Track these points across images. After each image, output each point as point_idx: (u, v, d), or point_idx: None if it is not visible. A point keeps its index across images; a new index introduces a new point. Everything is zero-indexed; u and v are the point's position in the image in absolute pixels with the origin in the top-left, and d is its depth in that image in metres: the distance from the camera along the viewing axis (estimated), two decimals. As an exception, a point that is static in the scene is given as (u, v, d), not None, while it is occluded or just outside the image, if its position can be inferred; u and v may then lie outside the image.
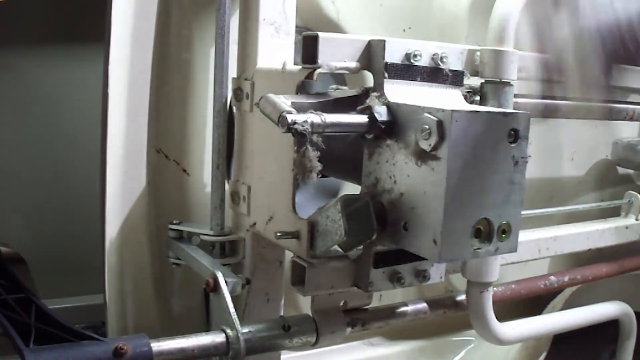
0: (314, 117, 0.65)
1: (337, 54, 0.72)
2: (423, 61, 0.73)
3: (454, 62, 0.76)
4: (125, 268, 1.00)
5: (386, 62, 0.71)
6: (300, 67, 0.75)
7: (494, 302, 0.99)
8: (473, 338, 1.42)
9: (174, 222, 1.00)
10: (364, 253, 0.75)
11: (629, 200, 1.37)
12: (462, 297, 1.00)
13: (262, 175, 0.88)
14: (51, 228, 1.66)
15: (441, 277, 0.81)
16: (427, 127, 0.63)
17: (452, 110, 0.61)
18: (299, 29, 0.92)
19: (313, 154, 0.69)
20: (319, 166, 0.70)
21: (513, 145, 0.66)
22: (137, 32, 0.96)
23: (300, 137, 0.65)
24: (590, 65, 0.49)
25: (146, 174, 1.00)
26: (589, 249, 1.24)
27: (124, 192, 0.98)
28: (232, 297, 0.85)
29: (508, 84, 0.85)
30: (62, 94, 1.65)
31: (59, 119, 1.66)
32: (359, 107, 0.71)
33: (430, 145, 0.63)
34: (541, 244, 1.15)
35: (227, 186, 0.97)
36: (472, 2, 1.25)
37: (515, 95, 0.88)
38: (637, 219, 1.34)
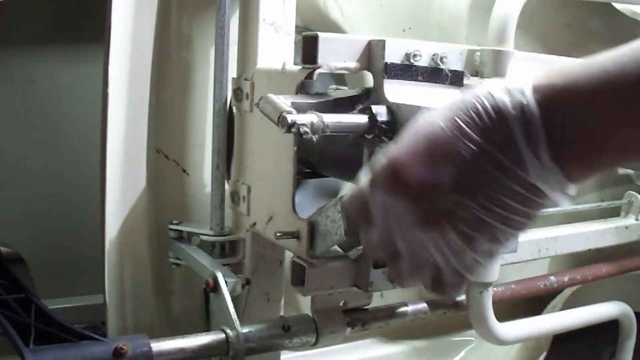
0: (314, 117, 0.65)
1: (337, 54, 0.72)
2: (423, 61, 0.73)
3: (454, 62, 0.76)
4: (125, 268, 1.00)
5: (386, 62, 0.71)
6: (300, 67, 0.75)
7: (494, 302, 0.99)
8: (473, 338, 1.42)
9: (174, 222, 1.00)
10: (364, 253, 0.75)
11: (629, 201, 1.37)
12: (462, 297, 1.00)
13: (262, 175, 0.88)
14: (51, 228, 1.66)
15: (441, 277, 0.81)
16: (427, 127, 0.63)
17: (452, 111, 0.61)
18: (299, 29, 0.92)
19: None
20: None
21: (513, 145, 0.66)
22: (137, 32, 0.96)
23: (300, 137, 0.65)
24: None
25: (146, 174, 1.00)
26: (589, 249, 1.24)
27: (124, 192, 0.98)
28: (232, 297, 0.85)
29: (508, 84, 0.85)
30: (62, 94, 1.65)
31: (58, 119, 1.66)
32: (359, 107, 0.71)
33: (430, 145, 0.63)
34: (541, 244, 1.15)
35: (227, 186, 0.97)
36: (472, 2, 1.25)
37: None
38: (637, 219, 1.34)
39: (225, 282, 0.85)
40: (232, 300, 0.84)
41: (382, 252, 0.54)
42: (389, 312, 0.95)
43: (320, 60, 0.71)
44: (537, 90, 0.47)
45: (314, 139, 0.66)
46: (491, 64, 0.83)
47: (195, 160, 1.05)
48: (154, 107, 0.99)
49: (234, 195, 0.96)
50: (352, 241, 0.71)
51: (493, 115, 0.46)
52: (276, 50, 0.91)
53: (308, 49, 0.72)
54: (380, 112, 0.69)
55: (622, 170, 1.60)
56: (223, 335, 0.80)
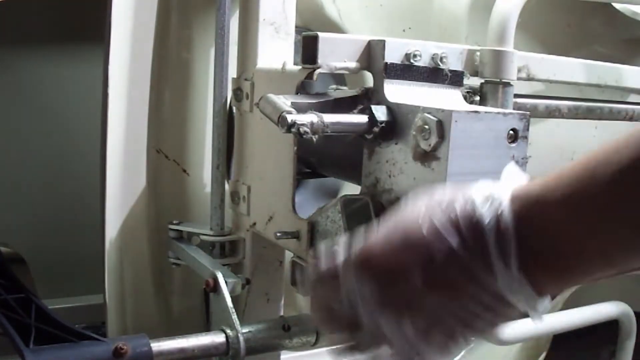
0: (314, 117, 0.65)
1: (336, 54, 0.72)
2: (423, 61, 0.73)
3: (454, 62, 0.76)
4: (125, 268, 1.00)
5: (386, 62, 0.71)
6: (300, 67, 0.75)
7: (493, 302, 0.98)
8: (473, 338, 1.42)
9: (174, 222, 1.00)
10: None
11: (629, 201, 1.36)
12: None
13: (262, 175, 0.88)
14: (51, 228, 1.66)
15: (441, 277, 0.81)
16: (427, 127, 0.63)
17: (452, 111, 0.61)
18: (299, 29, 0.92)
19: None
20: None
21: (513, 145, 0.66)
22: (137, 32, 0.96)
23: (300, 137, 0.65)
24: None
25: (146, 174, 1.00)
26: (589, 249, 1.24)
27: (124, 192, 0.98)
28: (232, 297, 0.85)
29: (508, 84, 0.85)
30: (62, 94, 1.65)
31: (58, 119, 1.66)
32: (359, 107, 0.71)
33: (430, 145, 0.63)
34: (541, 244, 1.15)
35: (227, 186, 0.97)
36: (472, 2, 1.25)
37: (515, 95, 0.88)
38: (637, 219, 1.34)
39: (225, 282, 0.85)
40: (232, 300, 0.84)
41: (345, 325, 0.55)
42: (389, 312, 0.95)
43: (320, 60, 0.71)
44: (514, 199, 0.47)
45: (314, 139, 0.66)
46: (491, 64, 0.83)
47: (195, 160, 1.05)
48: (154, 107, 0.99)
49: (234, 195, 0.96)
50: (352, 241, 0.71)
51: (469, 222, 0.47)
52: (276, 50, 0.91)
53: (308, 49, 0.72)
54: (380, 112, 0.69)
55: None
56: (223, 335, 0.80)
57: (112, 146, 0.96)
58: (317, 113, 0.66)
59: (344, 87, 0.92)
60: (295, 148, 0.77)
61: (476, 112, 0.64)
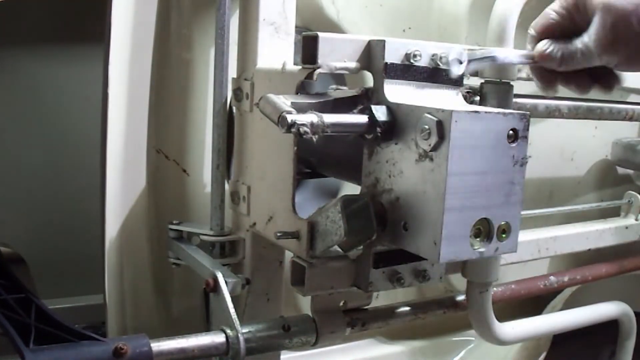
0: (314, 117, 0.65)
1: (337, 54, 0.72)
2: (423, 61, 0.73)
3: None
4: (125, 268, 1.00)
5: (386, 63, 0.71)
6: (300, 67, 0.75)
7: (494, 302, 0.99)
8: (473, 338, 1.42)
9: (174, 222, 1.00)
10: (364, 253, 0.75)
11: (629, 201, 1.37)
12: (462, 297, 1.00)
13: (262, 175, 0.88)
14: (51, 228, 1.66)
15: (441, 277, 0.81)
16: (427, 127, 0.63)
17: (452, 111, 0.61)
18: (299, 29, 0.92)
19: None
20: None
21: (513, 145, 0.66)
22: (137, 32, 0.96)
23: (300, 137, 0.65)
24: None
25: (146, 174, 1.00)
26: (589, 249, 1.24)
27: (124, 192, 0.98)
28: (232, 297, 0.85)
29: (508, 84, 0.85)
30: (62, 94, 1.65)
31: (58, 119, 1.66)
32: (359, 107, 0.71)
33: (430, 145, 0.63)
34: (541, 244, 1.15)
35: (227, 186, 0.97)
36: (472, 2, 1.25)
37: (515, 95, 0.88)
38: (636, 219, 1.34)
39: (225, 282, 0.85)
40: (232, 300, 0.84)
41: None
42: (389, 312, 0.95)
43: (320, 60, 0.71)
44: None
45: (314, 139, 0.66)
46: (491, 64, 0.83)
47: (195, 160, 1.05)
48: (154, 107, 0.99)
49: (234, 195, 0.96)
50: (352, 241, 0.71)
51: None
52: (276, 50, 0.91)
53: (308, 49, 0.72)
54: (380, 112, 0.69)
55: (622, 170, 1.60)
56: (223, 335, 0.80)
57: (112, 146, 0.96)
58: (317, 113, 0.66)
59: (344, 87, 0.92)
60: (295, 148, 0.77)
61: (476, 112, 0.64)
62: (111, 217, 0.98)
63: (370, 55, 0.73)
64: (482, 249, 0.66)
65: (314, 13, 1.13)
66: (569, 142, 1.50)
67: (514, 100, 0.88)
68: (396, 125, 0.69)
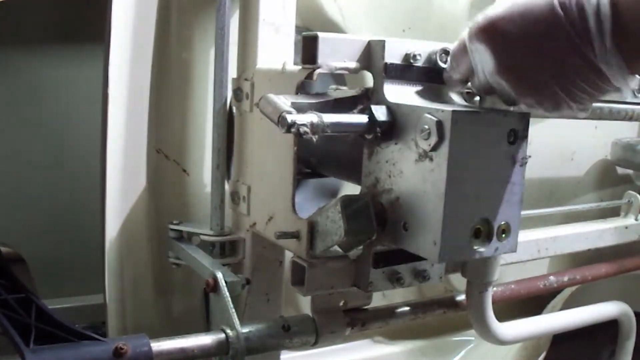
0: (314, 117, 0.65)
1: (336, 54, 0.72)
2: (423, 61, 0.73)
3: (453, 62, 0.75)
4: (125, 268, 1.00)
5: (386, 63, 0.71)
6: (300, 67, 0.75)
7: (493, 302, 0.99)
8: (473, 338, 1.42)
9: (174, 222, 1.00)
10: (364, 253, 0.75)
11: (629, 201, 1.37)
12: (462, 297, 1.00)
13: (262, 175, 0.88)
14: (51, 228, 1.66)
15: (441, 277, 0.81)
16: (426, 127, 0.63)
17: (452, 111, 0.61)
18: (299, 29, 0.92)
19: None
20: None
21: (513, 145, 0.66)
22: (137, 32, 0.96)
23: (300, 137, 0.65)
24: None
25: (146, 174, 1.00)
26: (589, 249, 1.24)
27: (124, 192, 0.98)
28: (232, 297, 0.85)
29: (508, 84, 0.85)
30: (62, 94, 1.65)
31: (59, 119, 1.66)
32: (359, 107, 0.71)
33: (430, 145, 0.63)
34: (541, 244, 1.15)
35: (227, 186, 0.97)
36: (472, 2, 1.25)
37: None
38: (636, 219, 1.34)
39: (225, 282, 0.85)
40: (232, 300, 0.84)
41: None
42: (389, 312, 0.95)
43: (320, 60, 0.71)
44: None
45: (314, 139, 0.66)
46: (491, 64, 0.82)
47: (195, 160, 1.05)
48: (154, 107, 0.99)
49: (234, 195, 0.96)
50: (352, 241, 0.71)
51: (576, 3, 0.56)
52: (276, 50, 0.91)
53: (308, 49, 0.72)
54: (380, 112, 0.69)
55: (621, 170, 1.60)
56: (223, 335, 0.80)
57: (112, 146, 0.96)
58: (317, 113, 0.66)
59: (344, 87, 0.92)
60: (295, 148, 0.77)
61: (476, 112, 0.64)
62: (111, 217, 0.98)
63: (370, 55, 0.73)
64: (482, 249, 0.66)
65: (314, 13, 1.13)
66: (569, 142, 1.50)
67: (514, 100, 0.87)
68: (396, 125, 0.69)
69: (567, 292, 1.38)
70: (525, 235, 1.12)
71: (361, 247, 0.74)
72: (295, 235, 0.77)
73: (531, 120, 0.67)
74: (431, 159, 0.64)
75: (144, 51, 0.97)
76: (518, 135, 0.66)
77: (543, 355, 1.37)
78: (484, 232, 0.66)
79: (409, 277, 0.78)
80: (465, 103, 0.77)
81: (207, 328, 0.89)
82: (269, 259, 0.96)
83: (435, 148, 0.63)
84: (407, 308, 0.96)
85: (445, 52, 0.72)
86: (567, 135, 1.48)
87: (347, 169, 0.80)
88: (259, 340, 0.83)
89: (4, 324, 0.70)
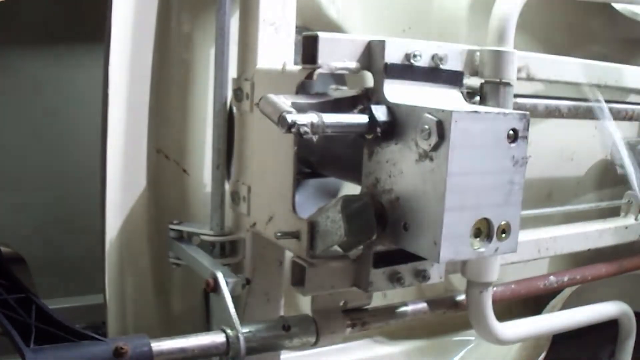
0: (314, 117, 0.66)
1: (337, 54, 0.72)
2: (423, 61, 0.73)
3: (453, 63, 0.76)
4: (125, 268, 1.00)
5: (386, 63, 0.71)
6: (300, 67, 0.75)
7: (493, 302, 0.99)
8: (473, 338, 1.42)
9: (174, 222, 1.00)
10: (364, 253, 0.75)
11: (629, 201, 1.37)
12: (462, 297, 1.00)
13: (262, 175, 0.88)
14: (51, 228, 1.66)
15: (441, 277, 0.81)
16: (427, 127, 0.63)
17: (452, 111, 0.61)
18: (299, 29, 0.92)
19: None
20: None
21: (513, 145, 0.66)
22: (137, 32, 0.96)
23: (300, 137, 0.65)
24: None
25: (146, 174, 1.00)
26: (589, 249, 1.24)
27: (124, 192, 0.98)
28: (232, 297, 0.85)
29: (508, 84, 0.85)
30: (62, 94, 1.65)
31: (58, 119, 1.66)
32: (359, 107, 0.71)
33: (430, 145, 0.63)
34: (541, 244, 1.15)
35: (227, 186, 0.97)
36: (472, 2, 1.25)
37: (515, 95, 0.88)
38: (636, 219, 1.34)
39: (226, 282, 0.85)
40: (232, 300, 0.84)
41: None
42: (389, 312, 0.95)
43: (320, 60, 0.71)
44: None
45: (314, 139, 0.66)
46: (491, 64, 0.83)
47: (195, 160, 1.05)
48: (154, 107, 0.99)
49: (234, 195, 0.96)
50: (352, 241, 0.71)
51: None
52: (276, 50, 0.91)
53: (308, 49, 0.72)
54: (380, 112, 0.69)
55: (621, 171, 1.60)
56: (223, 335, 0.80)
57: (112, 146, 0.96)
58: (317, 113, 0.66)
59: (344, 87, 0.92)
60: (295, 148, 0.77)
61: (476, 112, 0.64)
62: (111, 217, 0.98)
63: (370, 55, 0.73)
64: (482, 249, 0.66)
65: (314, 13, 1.13)
66: (569, 142, 1.50)
67: (514, 100, 0.88)
68: (396, 125, 0.69)
69: (567, 292, 1.37)
70: (525, 235, 1.12)
71: (361, 247, 0.74)
72: (295, 235, 0.77)
73: (531, 120, 0.67)
74: (431, 159, 0.64)
75: (144, 51, 0.97)
76: (518, 135, 0.66)
77: (543, 355, 1.37)
78: (484, 232, 0.66)
79: (409, 277, 0.78)
80: (465, 103, 0.77)
81: (207, 328, 0.89)
82: (269, 259, 0.96)
83: (435, 148, 0.63)
84: (407, 308, 0.96)
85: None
86: (567, 135, 1.48)
87: (347, 169, 0.80)
88: (259, 341, 0.83)
89: (4, 324, 0.70)
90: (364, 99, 0.74)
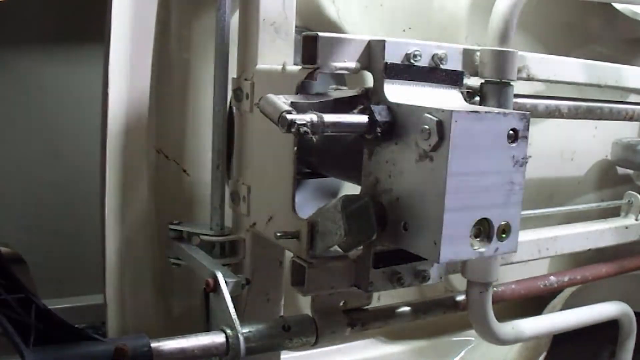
0: (314, 117, 0.65)
1: (337, 54, 0.72)
2: (423, 61, 0.73)
3: (454, 62, 0.76)
4: (125, 268, 1.00)
5: (386, 63, 0.71)
6: (300, 67, 0.75)
7: (494, 302, 0.99)
8: (473, 338, 1.42)
9: (174, 222, 1.00)
10: (364, 253, 0.75)
11: (629, 201, 1.37)
12: (462, 297, 1.00)
13: (262, 175, 0.88)
14: (51, 228, 1.66)
15: (441, 277, 0.81)
16: (427, 127, 0.63)
17: (452, 111, 0.61)
18: (299, 29, 0.92)
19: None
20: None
21: (513, 145, 0.66)
22: (137, 32, 0.96)
23: (300, 137, 0.65)
24: None
25: (146, 174, 1.00)
26: (589, 249, 1.24)
27: (124, 192, 0.98)
28: (232, 297, 0.85)
29: (508, 84, 0.85)
30: (62, 94, 1.65)
31: (59, 119, 1.66)
32: (359, 107, 0.71)
33: (430, 145, 0.63)
34: (541, 244, 1.15)
35: (227, 186, 0.97)
36: (472, 2, 1.25)
37: (515, 95, 0.88)
38: (636, 219, 1.34)
39: (225, 282, 0.85)
40: (232, 300, 0.84)
41: None
42: (389, 312, 0.95)
43: (320, 60, 0.71)
44: None
45: (314, 139, 0.66)
46: (491, 64, 0.83)
47: (195, 160, 1.05)
48: (154, 107, 0.99)
49: (234, 195, 0.96)
50: (352, 241, 0.71)
51: None
52: (276, 50, 0.91)
53: (308, 49, 0.72)
54: (380, 112, 0.69)
55: (622, 170, 1.60)
56: (223, 336, 0.80)
57: (112, 146, 0.96)
58: (317, 113, 0.66)
59: (344, 87, 0.92)
60: (295, 148, 0.77)
61: (476, 112, 0.64)
62: (111, 217, 0.98)
63: (370, 55, 0.73)
64: (482, 249, 0.66)
65: (314, 13, 1.13)
66: (569, 142, 1.50)
67: (514, 100, 0.88)
68: (396, 125, 0.69)
69: (567, 292, 1.37)
70: (525, 235, 1.12)
71: (361, 247, 0.74)
72: (295, 236, 0.77)
73: (531, 120, 0.67)
74: (431, 159, 0.64)
75: (144, 51, 0.97)
76: (518, 135, 0.66)
77: (543, 355, 1.37)
78: (484, 232, 0.66)
79: (409, 277, 0.78)
80: (465, 103, 0.77)
81: (207, 328, 0.89)
82: (269, 259, 0.96)
83: (435, 148, 0.63)
84: (407, 308, 0.96)
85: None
86: (567, 136, 1.48)
87: (347, 169, 0.80)
88: (259, 341, 0.83)
89: (4, 324, 0.69)
90: (364, 99, 0.74)
